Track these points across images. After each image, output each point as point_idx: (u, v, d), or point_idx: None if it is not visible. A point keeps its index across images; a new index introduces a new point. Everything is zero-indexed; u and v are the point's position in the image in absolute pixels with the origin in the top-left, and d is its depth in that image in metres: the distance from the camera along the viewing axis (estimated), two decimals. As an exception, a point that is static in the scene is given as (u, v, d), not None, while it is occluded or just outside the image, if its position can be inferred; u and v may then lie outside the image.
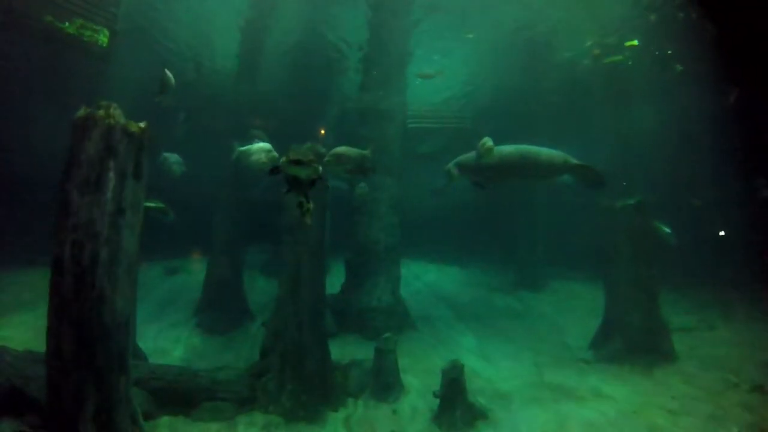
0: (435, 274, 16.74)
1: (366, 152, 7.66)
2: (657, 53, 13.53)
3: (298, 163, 4.65)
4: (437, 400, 7.83)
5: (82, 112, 5.12)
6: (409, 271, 12.81)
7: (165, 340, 10.67)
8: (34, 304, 11.17)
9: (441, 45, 14.40)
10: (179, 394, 7.68)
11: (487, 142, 8.19)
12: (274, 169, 4.99)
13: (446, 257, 17.43)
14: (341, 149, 7.47)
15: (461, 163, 8.75)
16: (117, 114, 5.14)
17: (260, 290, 13.83)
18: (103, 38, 11.58)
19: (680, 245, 11.39)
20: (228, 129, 12.47)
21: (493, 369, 9.88)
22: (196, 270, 14.19)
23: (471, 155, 8.76)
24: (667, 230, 11.09)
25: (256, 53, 13.28)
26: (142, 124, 5.30)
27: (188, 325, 11.69)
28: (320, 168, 4.85)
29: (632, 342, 10.17)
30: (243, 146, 9.12)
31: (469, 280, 16.59)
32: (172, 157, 11.53)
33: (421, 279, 16.16)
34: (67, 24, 11.36)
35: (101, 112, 5.10)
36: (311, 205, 5.19)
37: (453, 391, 7.67)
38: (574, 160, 8.63)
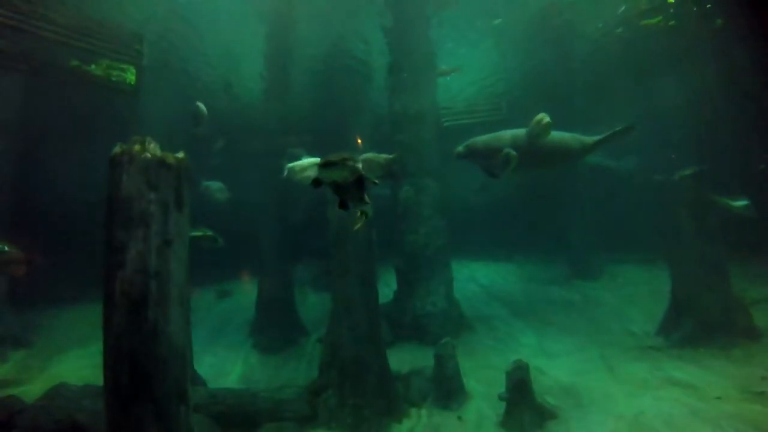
0: (486, 273, 16.35)
1: (393, 156, 7.51)
2: (695, 9, 12.78)
3: (329, 165, 4.20)
4: (503, 403, 7.56)
5: (118, 148, 5.15)
6: (459, 272, 12.56)
7: (222, 362, 10.78)
8: (90, 338, 11.54)
9: (467, 36, 14.10)
10: (241, 416, 7.71)
11: (545, 117, 7.45)
12: (316, 181, 4.58)
13: (495, 254, 17.01)
14: (368, 156, 7.36)
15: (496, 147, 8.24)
16: (153, 147, 5.15)
17: (312, 305, 13.86)
18: (131, 76, 11.93)
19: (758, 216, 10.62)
20: (263, 149, 12.61)
21: (557, 365, 9.50)
22: (246, 291, 14.34)
23: (485, 137, 8.39)
24: (743, 202, 10.34)
25: (282, 71, 13.36)
26: (179, 155, 5.30)
27: (244, 346, 11.78)
28: (359, 167, 4.39)
29: (705, 323, 9.65)
30: (290, 164, 9.19)
31: (521, 275, 16.14)
32: (215, 185, 11.75)
33: (473, 279, 15.80)
34: (93, 66, 11.75)
35: (137, 147, 5.12)
36: (363, 211, 4.83)
37: (519, 393, 7.39)
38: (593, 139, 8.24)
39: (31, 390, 8.49)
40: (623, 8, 13.24)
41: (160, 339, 5.00)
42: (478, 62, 15.12)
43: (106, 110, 12.86)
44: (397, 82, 12.51)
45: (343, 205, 4.82)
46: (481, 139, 8.44)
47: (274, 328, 12.01)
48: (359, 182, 4.52)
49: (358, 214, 4.87)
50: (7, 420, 7.28)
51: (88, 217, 12.61)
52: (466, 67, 15.01)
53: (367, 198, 4.72)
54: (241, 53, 14.15)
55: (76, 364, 10.60)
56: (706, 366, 8.59)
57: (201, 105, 9.37)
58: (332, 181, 4.43)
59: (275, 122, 12.79)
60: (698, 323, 9.71)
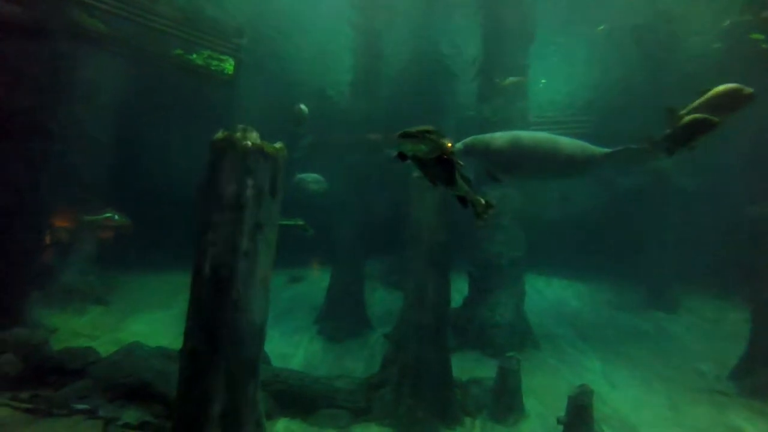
0: (556, 290, 15.97)
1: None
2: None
3: (406, 136, 3.62)
4: (560, 427, 7.40)
5: (220, 134, 5.48)
6: (529, 285, 12.32)
7: (287, 344, 11.19)
8: (165, 304, 12.39)
9: (560, 42, 13.73)
10: (299, 398, 8.05)
11: (744, 87, 5.73)
12: (400, 155, 3.98)
13: (568, 271, 16.50)
14: None
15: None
16: (253, 136, 5.46)
17: (379, 301, 14.11)
18: (229, 67, 12.57)
19: None
20: (349, 145, 13.00)
21: (620, 397, 9.21)
22: (316, 279, 14.81)
23: (485, 136, 8.02)
24: None
25: (372, 70, 13.62)
26: (277, 145, 5.59)
27: (309, 331, 12.20)
28: (442, 143, 3.73)
29: (784, 374, 9.07)
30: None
31: (593, 297, 15.60)
32: (310, 177, 12.16)
33: (543, 294, 15.47)
34: (195, 56, 12.48)
35: (238, 135, 5.44)
36: (480, 199, 4.12)
37: (579, 419, 7.21)
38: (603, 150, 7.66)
39: (102, 345, 9.16)
40: (728, 22, 12.47)
41: (242, 316, 5.30)
42: (570, 71, 14.71)
43: (203, 97, 13.63)
44: (487, 87, 12.40)
45: (432, 182, 4.23)
46: (481, 138, 8.11)
47: (341, 318, 12.33)
48: (447, 162, 3.91)
49: (477, 209, 4.19)
50: (80, 369, 7.97)
51: (173, 195, 13.50)
52: (557, 76, 14.67)
53: (460, 181, 4.04)
54: (331, 50, 14.55)
55: (148, 327, 11.37)
56: (776, 421, 8.11)
57: (303, 107, 9.80)
58: (413, 155, 3.90)
59: (362, 119, 13.09)
60: (776, 373, 9.14)
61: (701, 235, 14.49)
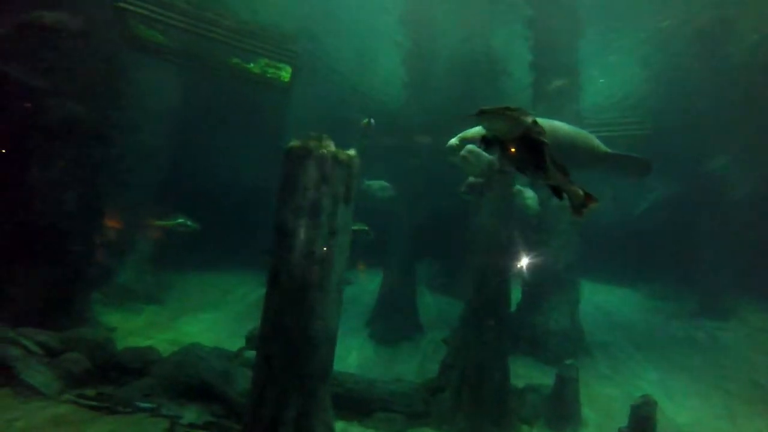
0: (607, 297, 15.65)
1: (493, 158, 7.28)
2: None
3: (483, 113, 3.29)
4: (619, 437, 7.31)
5: (297, 142, 5.59)
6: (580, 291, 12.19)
7: (339, 347, 11.14)
8: (216, 304, 12.60)
9: (618, 42, 13.43)
10: (355, 401, 8.09)
11: None
12: (485, 139, 3.59)
13: (618, 277, 16.16)
14: (472, 149, 7.13)
15: None
16: (329, 144, 5.56)
17: (427, 305, 14.04)
18: (285, 75, 12.72)
19: None
20: (400, 148, 13.02)
21: (678, 409, 9.03)
22: (364, 281, 14.84)
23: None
24: None
25: (422, 74, 13.66)
26: (351, 152, 5.67)
27: (361, 334, 12.27)
28: (525, 120, 3.33)
29: None
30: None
31: (644, 304, 15.25)
32: (377, 184, 12.33)
33: (593, 301, 15.03)
34: (251, 64, 12.70)
35: (314, 143, 5.53)
36: (578, 190, 3.61)
37: (642, 430, 7.11)
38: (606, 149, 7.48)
39: (158, 344, 9.35)
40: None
41: (316, 322, 5.41)
42: (625, 70, 14.37)
43: (259, 104, 13.87)
44: (539, 89, 12.33)
45: (522, 171, 3.78)
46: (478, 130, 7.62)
47: (393, 321, 12.36)
48: (534, 145, 3.44)
49: (573, 201, 3.69)
50: (142, 367, 8.19)
51: (226, 198, 13.75)
52: (614, 76, 14.37)
53: (551, 167, 3.53)
54: (380, 51, 14.62)
55: (202, 326, 11.65)
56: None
57: (372, 120, 10.11)
58: (495, 137, 3.51)
59: (413, 122, 13.14)
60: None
61: (756, 242, 14.03)
